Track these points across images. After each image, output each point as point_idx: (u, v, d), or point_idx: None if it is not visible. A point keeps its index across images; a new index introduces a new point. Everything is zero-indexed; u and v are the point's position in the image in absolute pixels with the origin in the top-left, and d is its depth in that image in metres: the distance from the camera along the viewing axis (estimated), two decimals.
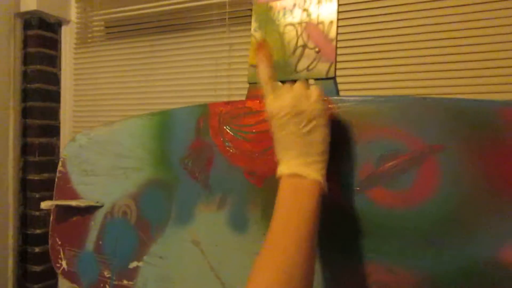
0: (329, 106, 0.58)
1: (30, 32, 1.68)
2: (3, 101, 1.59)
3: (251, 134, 0.64)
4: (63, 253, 0.81)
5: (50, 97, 1.73)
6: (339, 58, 0.65)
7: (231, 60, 1.47)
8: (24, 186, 1.67)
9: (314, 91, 0.53)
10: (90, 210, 0.78)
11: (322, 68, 0.63)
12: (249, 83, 0.68)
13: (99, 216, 0.77)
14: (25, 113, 1.68)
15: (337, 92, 0.63)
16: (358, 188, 0.56)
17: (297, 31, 0.66)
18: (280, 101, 0.52)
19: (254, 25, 0.70)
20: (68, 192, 0.82)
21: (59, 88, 1.76)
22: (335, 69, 0.62)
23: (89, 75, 1.74)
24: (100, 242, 0.76)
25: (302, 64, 0.64)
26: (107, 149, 0.78)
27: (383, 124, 0.56)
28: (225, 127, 0.66)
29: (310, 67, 0.63)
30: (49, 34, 1.71)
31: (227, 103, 0.67)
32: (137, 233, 0.72)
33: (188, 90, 1.54)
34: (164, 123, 0.72)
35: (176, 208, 0.69)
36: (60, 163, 0.85)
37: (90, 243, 0.78)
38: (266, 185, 0.62)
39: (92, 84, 1.73)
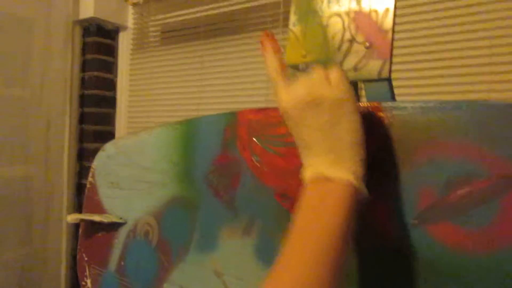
0: (380, 113, 0.46)
1: (88, 39, 1.70)
2: (60, 107, 1.62)
3: (283, 147, 0.53)
4: (89, 271, 0.76)
5: (106, 102, 1.74)
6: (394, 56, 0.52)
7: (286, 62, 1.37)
8: (80, 191, 1.70)
9: (335, 72, 0.42)
10: (114, 226, 0.72)
11: (373, 66, 0.50)
12: None
13: (122, 234, 0.71)
14: (82, 118, 1.71)
15: (393, 97, 0.50)
16: (415, 221, 0.43)
17: (343, 22, 0.54)
18: (293, 92, 0.41)
19: (293, 18, 0.59)
20: (96, 205, 0.77)
21: (115, 93, 1.77)
22: (390, 68, 0.49)
23: (144, 80, 1.73)
24: (122, 263, 0.70)
25: (349, 63, 0.52)
26: (133, 161, 0.71)
27: (451, 138, 0.42)
28: (254, 138, 0.56)
29: (359, 66, 0.51)
30: (106, 40, 1.73)
31: (259, 110, 0.57)
32: (158, 256, 0.64)
33: (241, 96, 1.46)
34: (188, 133, 0.64)
35: (199, 230, 0.60)
36: (90, 174, 0.81)
37: (113, 263, 0.71)
38: None
39: (146, 90, 1.72)
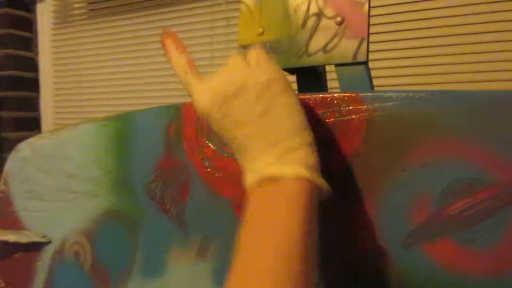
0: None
1: None
2: None
3: None
4: None
5: (26, 85, 1.52)
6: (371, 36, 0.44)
7: (229, 37, 1.25)
8: None
9: (253, 53, 0.36)
10: (35, 246, 0.59)
11: (347, 47, 0.41)
12: None
13: (46, 255, 0.58)
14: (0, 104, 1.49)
15: (371, 85, 0.41)
16: (409, 240, 0.35)
17: None
18: (208, 88, 0.35)
19: None
20: (10, 219, 0.63)
21: (37, 75, 1.56)
22: (368, 49, 0.41)
23: (71, 59, 1.53)
24: None
25: (317, 43, 0.43)
26: (54, 166, 0.58)
27: (450, 136, 0.35)
28: (205, 139, 0.45)
29: (329, 46, 0.42)
30: (21, 13, 1.49)
31: None
32: (93, 284, 0.52)
33: None
34: (122, 132, 0.52)
35: (142, 252, 0.49)
36: (2, 180, 0.66)
37: None
38: None
39: (75, 69, 1.53)
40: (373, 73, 0.42)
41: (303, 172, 0.31)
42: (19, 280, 0.61)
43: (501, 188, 0.33)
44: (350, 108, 0.38)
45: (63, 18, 1.54)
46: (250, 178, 0.33)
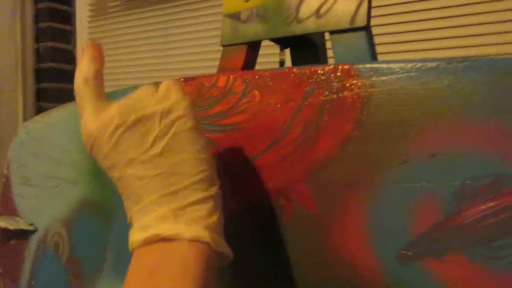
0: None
1: (40, 5, 1.50)
2: (12, 83, 1.44)
3: (221, 133, 0.37)
4: (3, 286, 0.61)
5: (66, 77, 1.55)
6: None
7: None
8: None
9: (164, 83, 0.31)
10: (24, 234, 0.56)
11: (343, 10, 0.33)
12: (223, 46, 0.40)
13: (33, 244, 0.55)
14: (39, 95, 1.53)
15: (374, 55, 0.33)
16: (409, 253, 0.27)
17: None
18: (103, 109, 0.28)
19: None
20: (9, 204, 0.61)
21: (75, 66, 1.59)
22: (369, 11, 0.32)
23: (106, 51, 1.54)
24: (33, 282, 0.54)
25: (308, 7, 0.35)
26: (42, 150, 0.55)
27: (466, 118, 0.26)
28: None
29: (322, 10, 0.34)
30: (61, 6, 1.53)
31: (190, 79, 0.40)
32: (68, 279, 0.48)
33: (211, 66, 1.29)
34: None
35: (113, 248, 0.44)
36: (5, 165, 0.64)
37: (24, 281, 0.56)
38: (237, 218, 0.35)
39: (110, 61, 1.54)
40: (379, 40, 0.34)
41: (203, 233, 0.26)
42: (13, 267, 0.59)
43: None
44: (343, 83, 0.31)
45: (99, 10, 1.55)
46: (135, 235, 0.27)
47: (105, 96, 0.31)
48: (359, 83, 0.30)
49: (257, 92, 0.35)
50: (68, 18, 1.56)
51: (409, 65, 0.28)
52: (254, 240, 0.34)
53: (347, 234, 0.29)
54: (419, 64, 0.28)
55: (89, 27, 1.57)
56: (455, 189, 0.26)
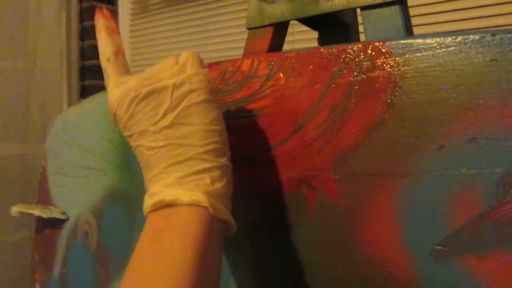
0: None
1: (85, 4, 1.55)
2: (58, 80, 1.50)
3: (246, 119, 0.35)
4: (38, 274, 0.62)
5: None
6: None
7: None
8: None
9: (184, 55, 0.31)
10: (57, 223, 0.57)
11: None
12: (248, 29, 0.39)
13: (65, 232, 0.56)
14: (84, 92, 1.58)
15: (409, 31, 0.30)
16: (445, 249, 0.24)
17: None
18: (123, 83, 0.30)
19: None
20: (45, 194, 0.62)
21: None
22: None
23: (147, 48, 1.57)
24: (64, 270, 0.55)
25: None
26: (74, 140, 0.55)
27: (509, 97, 0.23)
28: None
29: None
30: (105, 5, 1.57)
31: (214, 64, 0.39)
32: (95, 268, 0.48)
33: None
34: None
35: (136, 240, 0.43)
36: (42, 155, 0.66)
37: (56, 269, 0.57)
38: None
39: (149, 58, 1.57)
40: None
41: (201, 198, 0.27)
42: (47, 256, 0.60)
43: None
44: (373, 62, 0.28)
45: (140, 8, 1.58)
46: (146, 201, 0.29)
47: (128, 71, 0.33)
48: (391, 62, 0.27)
49: (281, 75, 0.33)
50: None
51: (449, 39, 0.25)
52: (276, 231, 0.32)
53: (376, 227, 0.27)
54: (459, 38, 0.25)
55: (131, 25, 1.61)
56: (498, 177, 0.23)
